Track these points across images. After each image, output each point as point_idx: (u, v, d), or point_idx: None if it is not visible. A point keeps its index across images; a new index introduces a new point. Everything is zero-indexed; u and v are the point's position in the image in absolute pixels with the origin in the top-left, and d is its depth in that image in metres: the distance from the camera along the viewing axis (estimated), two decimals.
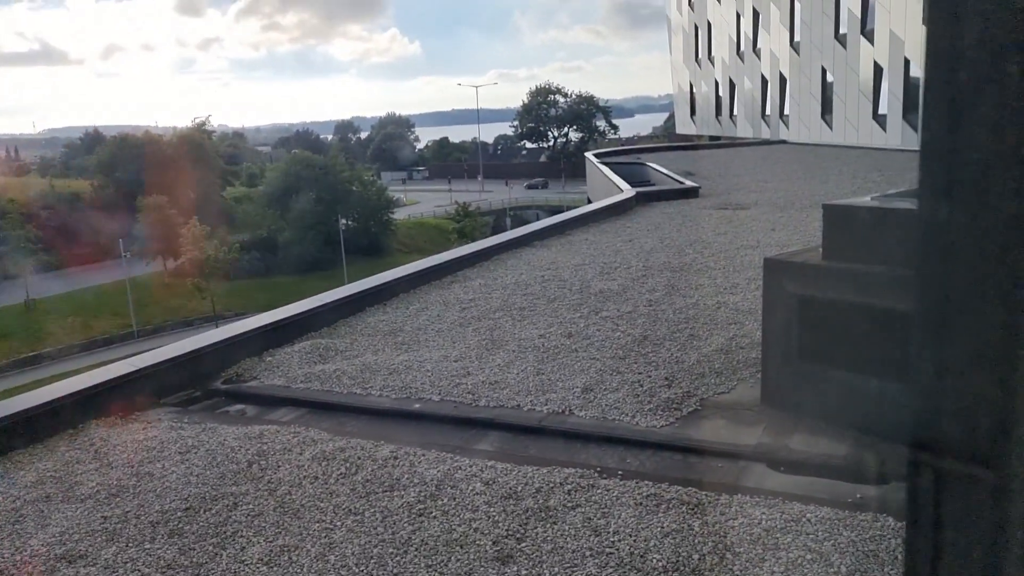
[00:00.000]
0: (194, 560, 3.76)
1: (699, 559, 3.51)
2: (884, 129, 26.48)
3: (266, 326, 7.24)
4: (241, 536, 3.94)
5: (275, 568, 3.65)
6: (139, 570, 3.70)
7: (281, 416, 5.71)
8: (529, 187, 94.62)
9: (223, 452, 4.95)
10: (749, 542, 3.62)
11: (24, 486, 4.62)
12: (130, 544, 3.93)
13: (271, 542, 3.86)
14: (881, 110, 26.81)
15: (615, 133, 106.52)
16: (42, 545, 3.96)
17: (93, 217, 59.41)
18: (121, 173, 64.43)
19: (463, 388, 5.80)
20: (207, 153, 70.74)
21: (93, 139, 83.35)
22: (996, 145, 0.71)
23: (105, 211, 59.60)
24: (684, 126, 48.79)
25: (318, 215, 63.27)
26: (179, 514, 4.19)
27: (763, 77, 36.31)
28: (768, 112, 36.39)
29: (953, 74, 0.71)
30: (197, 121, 78.26)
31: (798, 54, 32.55)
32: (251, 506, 4.23)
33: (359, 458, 4.76)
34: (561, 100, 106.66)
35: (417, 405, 5.62)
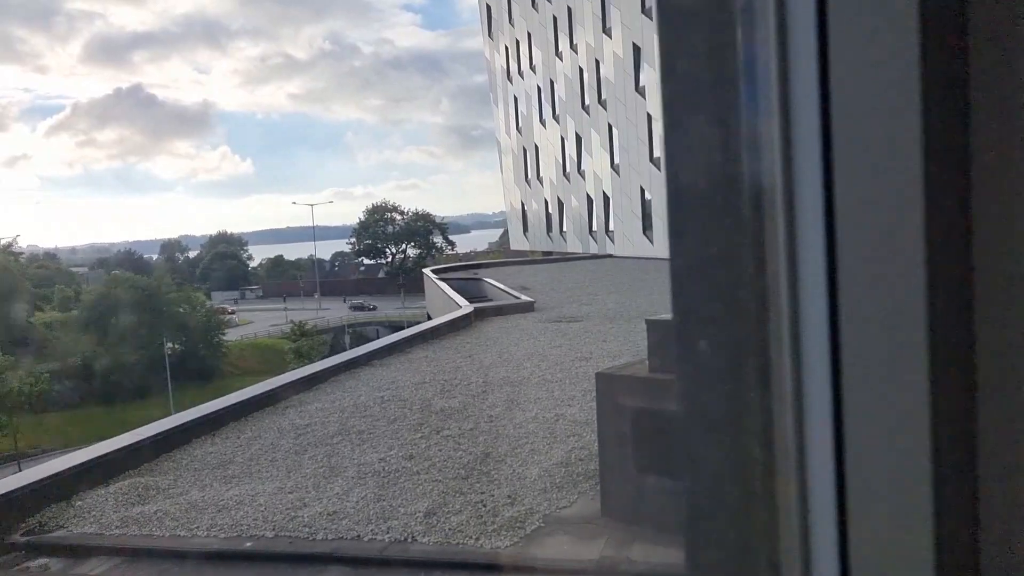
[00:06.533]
0: None
1: None
2: None
3: (76, 467, 6.60)
4: None
5: None
6: None
7: (91, 569, 5.16)
8: (354, 308, 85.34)
9: None
10: None
11: None
12: None
13: None
14: None
15: (452, 249, 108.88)
16: None
17: None
18: None
19: (299, 521, 5.50)
20: (13, 276, 65.52)
21: None
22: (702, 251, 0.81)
23: None
24: (518, 242, 50.68)
25: (141, 339, 59.54)
26: None
27: (588, 196, 38.68)
28: (595, 228, 38.61)
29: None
30: (3, 242, 72.79)
31: (619, 175, 35.07)
32: None
33: None
34: (398, 217, 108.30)
35: (249, 544, 5.26)
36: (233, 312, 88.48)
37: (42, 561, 5.38)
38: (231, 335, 70.57)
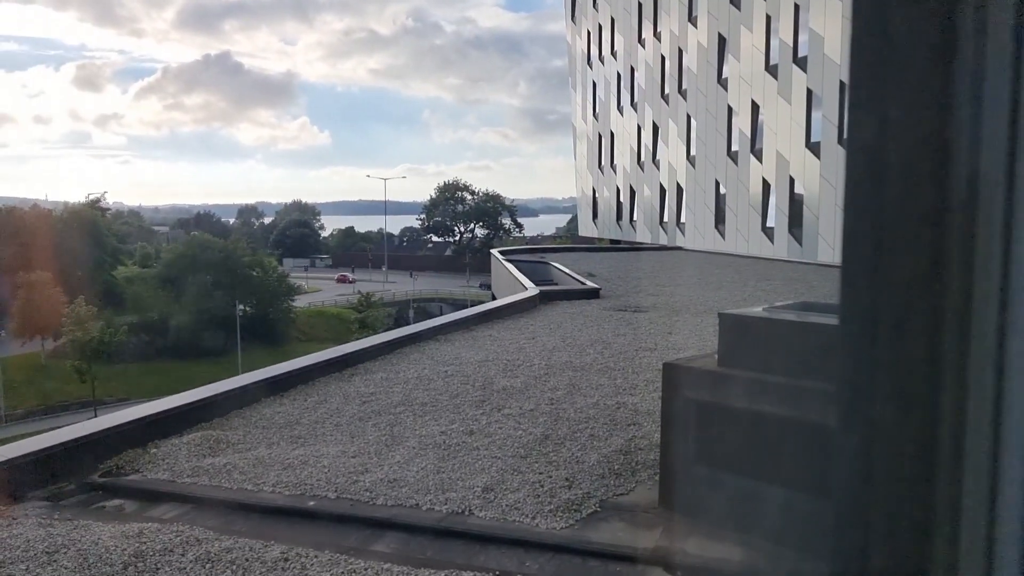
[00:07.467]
0: None
1: None
2: (772, 241, 28.11)
3: (153, 415, 6.88)
4: None
5: None
6: None
7: (163, 513, 5.38)
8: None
9: (96, 552, 4.60)
10: None
11: None
12: None
13: None
14: (769, 223, 28.52)
15: (520, 231, 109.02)
16: None
17: None
18: (2, 247, 61.17)
19: (360, 486, 5.62)
20: (99, 231, 68.26)
21: None
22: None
23: None
24: (586, 228, 50.45)
25: (215, 299, 61.46)
26: None
27: (662, 186, 38.19)
28: (666, 219, 38.13)
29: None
30: (91, 197, 75.89)
31: (694, 167, 34.50)
32: None
33: (247, 559, 4.51)
34: (468, 197, 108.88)
35: (312, 503, 5.40)
36: (354, 281, 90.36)
37: (117, 502, 5.64)
38: (300, 302, 72.23)
